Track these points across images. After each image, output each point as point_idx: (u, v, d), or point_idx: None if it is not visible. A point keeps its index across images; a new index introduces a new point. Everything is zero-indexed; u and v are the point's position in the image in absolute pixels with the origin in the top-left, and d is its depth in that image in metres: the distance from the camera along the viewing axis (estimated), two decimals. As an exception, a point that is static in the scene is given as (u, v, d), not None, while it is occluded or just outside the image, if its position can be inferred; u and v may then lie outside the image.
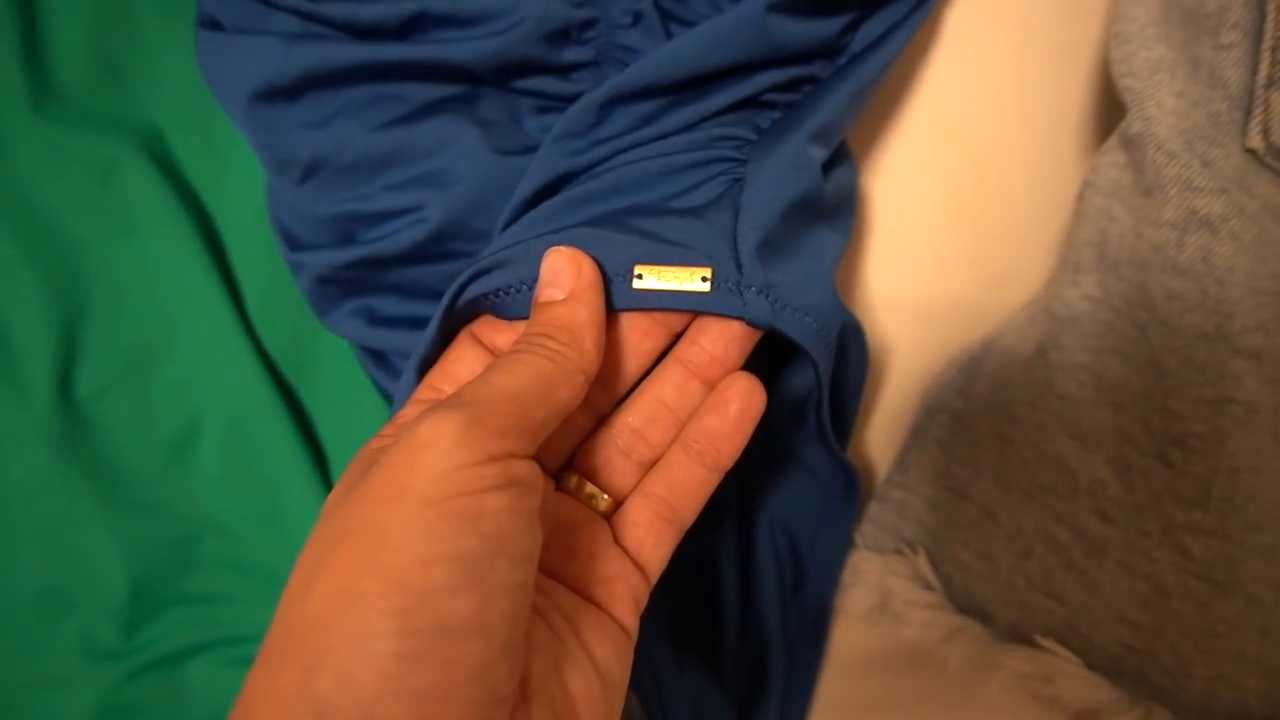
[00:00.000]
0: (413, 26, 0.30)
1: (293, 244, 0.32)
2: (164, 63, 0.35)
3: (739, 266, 0.25)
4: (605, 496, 0.24)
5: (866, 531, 0.33)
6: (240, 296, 0.35)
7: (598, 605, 0.22)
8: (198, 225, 0.34)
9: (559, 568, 0.23)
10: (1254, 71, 0.23)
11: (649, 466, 0.25)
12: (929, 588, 0.31)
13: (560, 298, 0.23)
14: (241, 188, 0.35)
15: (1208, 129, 0.24)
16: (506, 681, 0.18)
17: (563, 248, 0.24)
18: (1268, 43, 0.23)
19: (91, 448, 0.35)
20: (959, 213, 0.33)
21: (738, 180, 0.27)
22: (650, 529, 0.24)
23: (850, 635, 0.33)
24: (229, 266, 0.35)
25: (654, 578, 0.24)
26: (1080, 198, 0.27)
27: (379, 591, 0.17)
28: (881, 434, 0.34)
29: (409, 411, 0.23)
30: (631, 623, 0.23)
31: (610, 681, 0.21)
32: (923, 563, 0.31)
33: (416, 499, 0.17)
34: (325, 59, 0.30)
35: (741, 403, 0.24)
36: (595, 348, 0.22)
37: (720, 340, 0.24)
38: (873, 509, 0.33)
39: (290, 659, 0.17)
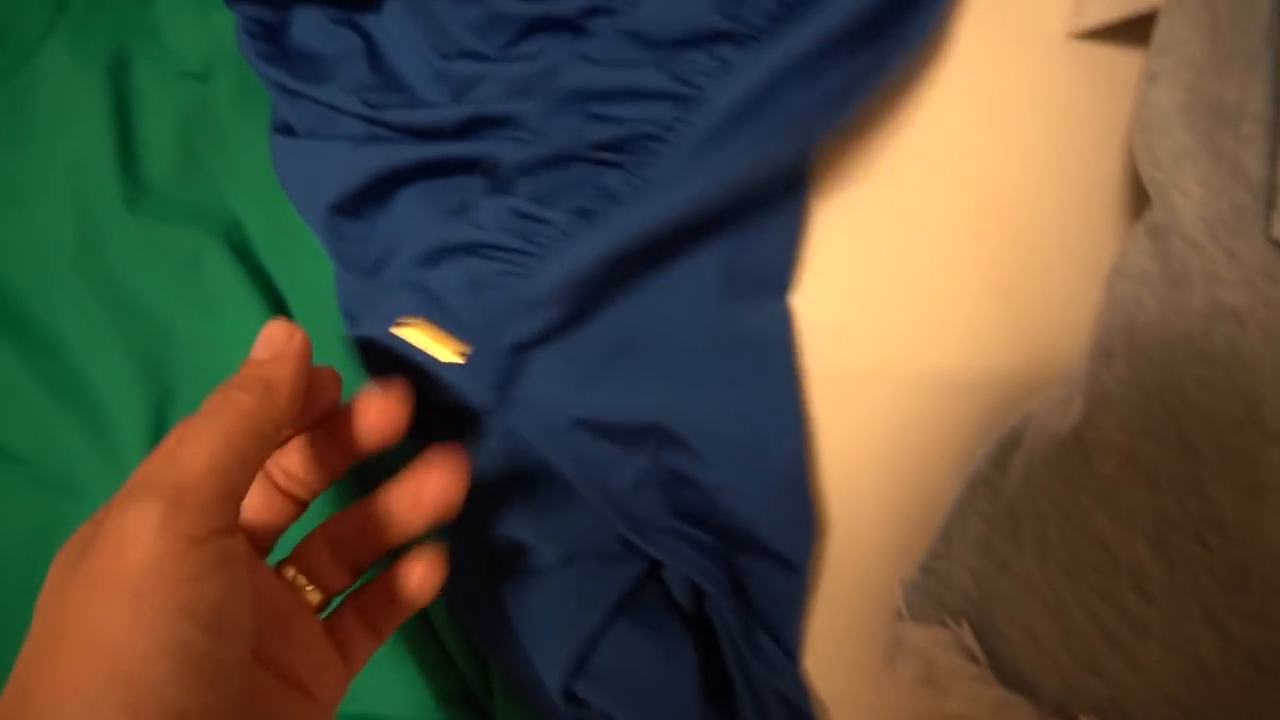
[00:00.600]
0: (468, 128, 0.32)
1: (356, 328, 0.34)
2: (242, 157, 0.38)
3: (492, 354, 0.29)
4: (317, 593, 0.27)
5: (911, 601, 0.33)
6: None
7: (304, 691, 0.24)
8: (273, 308, 0.37)
9: (274, 655, 0.24)
10: (1273, 164, 0.23)
11: (360, 570, 0.28)
12: (974, 660, 0.31)
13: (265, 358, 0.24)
14: (310, 271, 0.37)
15: (1231, 220, 0.24)
16: None
17: (280, 320, 0.26)
18: (1288, 136, 0.23)
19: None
20: (993, 283, 0.34)
21: (531, 265, 0.30)
22: (355, 631, 0.27)
23: (896, 704, 0.33)
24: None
25: (357, 669, 0.27)
26: (1109, 284, 0.27)
27: (104, 690, 0.17)
28: (924, 506, 0.34)
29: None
30: (332, 710, 0.25)
31: None
32: (967, 635, 0.32)
33: (128, 594, 0.18)
34: (388, 160, 0.32)
35: (436, 491, 0.27)
36: (289, 400, 0.24)
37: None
38: (917, 579, 0.33)
39: None
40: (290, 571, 0.27)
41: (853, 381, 0.35)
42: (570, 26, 0.32)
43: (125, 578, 0.18)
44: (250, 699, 0.22)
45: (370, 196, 0.33)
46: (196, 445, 0.21)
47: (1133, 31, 0.31)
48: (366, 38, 0.33)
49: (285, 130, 0.34)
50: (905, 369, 0.35)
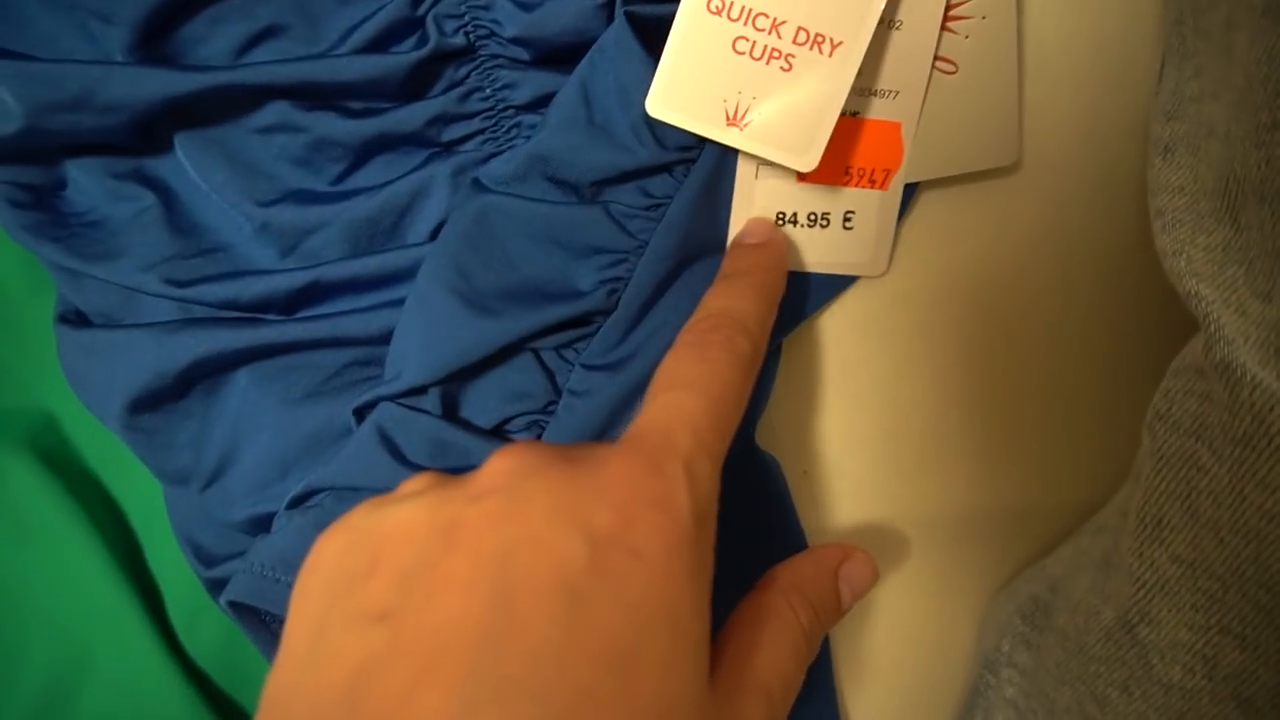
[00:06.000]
0: (304, 298, 0.25)
1: (205, 560, 0.27)
2: (48, 344, 0.30)
3: None
4: None
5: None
6: (161, 603, 0.30)
7: None
8: (103, 526, 0.30)
9: None
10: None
11: None
12: None
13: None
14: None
15: (1316, 351, 0.18)
16: None
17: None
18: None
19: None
20: (995, 408, 0.27)
21: None
22: None
23: None
24: (145, 568, 0.30)
25: None
26: (1150, 430, 0.21)
27: None
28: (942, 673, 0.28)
29: None
30: None
31: None
32: None
33: None
34: (208, 349, 0.25)
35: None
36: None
37: None
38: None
39: None
40: None
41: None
42: (417, 141, 0.25)
43: None
44: None
45: (189, 388, 0.26)
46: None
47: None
48: (163, 190, 0.26)
49: (75, 320, 0.27)
50: (904, 514, 0.28)
